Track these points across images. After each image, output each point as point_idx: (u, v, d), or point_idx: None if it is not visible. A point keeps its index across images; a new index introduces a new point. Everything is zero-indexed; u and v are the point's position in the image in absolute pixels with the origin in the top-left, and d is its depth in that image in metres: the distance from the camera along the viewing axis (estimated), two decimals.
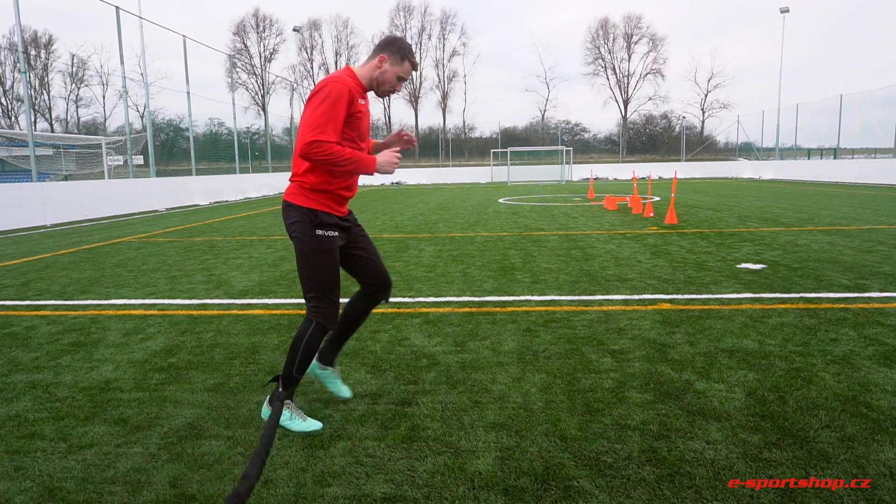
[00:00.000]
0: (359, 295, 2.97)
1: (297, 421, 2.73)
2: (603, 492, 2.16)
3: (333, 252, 2.69)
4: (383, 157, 2.60)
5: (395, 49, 2.68)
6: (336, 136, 2.51)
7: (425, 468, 2.36)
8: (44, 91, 54.17)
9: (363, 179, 38.98)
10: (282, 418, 2.72)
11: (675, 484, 2.20)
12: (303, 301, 5.23)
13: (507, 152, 37.66)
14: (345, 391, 3.03)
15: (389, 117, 61.49)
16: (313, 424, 2.75)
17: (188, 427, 2.77)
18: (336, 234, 2.71)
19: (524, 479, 2.26)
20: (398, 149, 2.75)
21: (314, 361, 3.00)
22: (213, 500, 2.16)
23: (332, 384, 3.01)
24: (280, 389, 2.69)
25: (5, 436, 2.73)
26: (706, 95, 61.15)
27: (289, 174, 3.01)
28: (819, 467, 2.28)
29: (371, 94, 2.84)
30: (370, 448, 2.55)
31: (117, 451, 2.55)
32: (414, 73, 2.78)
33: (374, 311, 4.86)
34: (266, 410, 2.83)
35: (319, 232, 2.65)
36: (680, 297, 5.07)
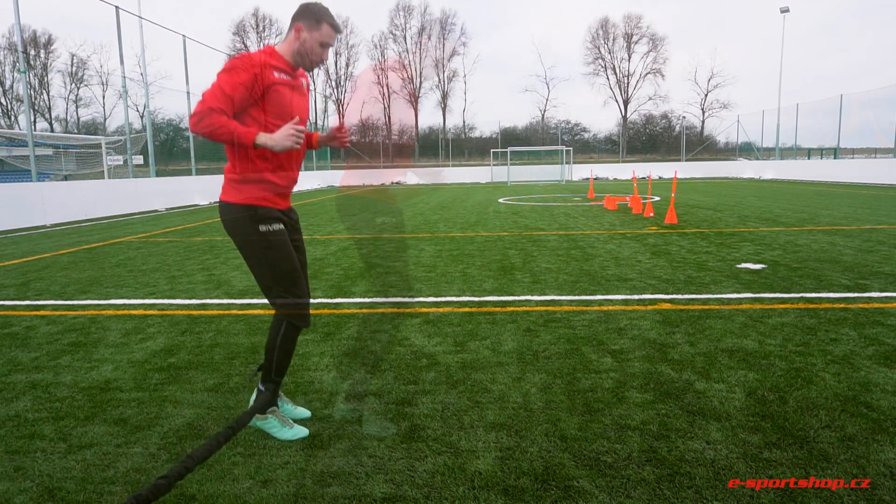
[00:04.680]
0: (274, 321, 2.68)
1: (285, 430, 2.64)
2: (603, 492, 2.16)
3: (285, 244, 2.53)
4: (280, 131, 2.35)
5: (309, 14, 2.50)
6: (217, 105, 2.31)
7: (425, 468, 2.36)
8: (43, 91, 54.16)
9: (373, 179, 38.89)
10: (270, 428, 2.64)
11: (675, 484, 2.20)
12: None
13: (507, 152, 37.65)
14: (301, 412, 2.86)
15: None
16: (300, 432, 2.65)
17: (188, 427, 2.77)
18: (281, 226, 2.54)
19: (524, 479, 2.26)
20: (302, 127, 2.43)
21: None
22: (213, 500, 2.16)
23: (289, 413, 2.82)
24: (261, 387, 2.61)
25: (5, 436, 2.73)
26: (706, 95, 61.10)
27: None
28: (819, 467, 2.28)
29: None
30: (370, 448, 2.54)
31: (117, 451, 2.55)
32: (339, 34, 2.58)
33: (374, 310, 4.86)
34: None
35: (263, 227, 2.47)
36: (680, 297, 5.07)
